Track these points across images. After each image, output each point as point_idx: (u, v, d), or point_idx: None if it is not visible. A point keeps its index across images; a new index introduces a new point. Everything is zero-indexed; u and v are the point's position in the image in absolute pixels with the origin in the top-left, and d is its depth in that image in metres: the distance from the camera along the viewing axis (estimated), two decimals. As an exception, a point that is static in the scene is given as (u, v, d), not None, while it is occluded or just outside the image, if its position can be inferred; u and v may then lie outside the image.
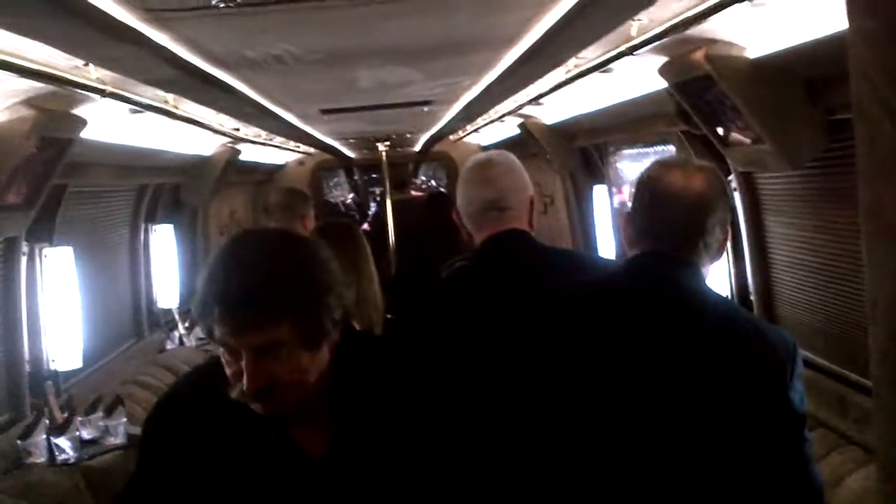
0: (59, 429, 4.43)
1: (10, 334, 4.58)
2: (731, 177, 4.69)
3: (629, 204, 2.50)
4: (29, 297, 4.76)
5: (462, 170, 3.17)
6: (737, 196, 4.68)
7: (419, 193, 11.47)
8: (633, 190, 2.53)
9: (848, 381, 3.85)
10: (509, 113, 6.99)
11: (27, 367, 4.70)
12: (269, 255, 1.87)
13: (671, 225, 2.37)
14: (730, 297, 4.94)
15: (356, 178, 12.49)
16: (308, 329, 1.84)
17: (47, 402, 4.62)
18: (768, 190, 4.41)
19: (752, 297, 4.68)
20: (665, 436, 2.22)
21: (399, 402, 1.97)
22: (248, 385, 1.82)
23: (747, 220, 4.59)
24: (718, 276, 4.93)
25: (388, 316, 3.56)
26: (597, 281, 2.56)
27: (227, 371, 1.88)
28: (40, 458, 4.29)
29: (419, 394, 1.99)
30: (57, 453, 4.34)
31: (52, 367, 4.93)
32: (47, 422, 4.46)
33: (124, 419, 4.74)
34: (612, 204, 7.18)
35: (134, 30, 2.31)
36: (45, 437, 4.35)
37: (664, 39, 3.26)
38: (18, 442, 4.28)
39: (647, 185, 2.43)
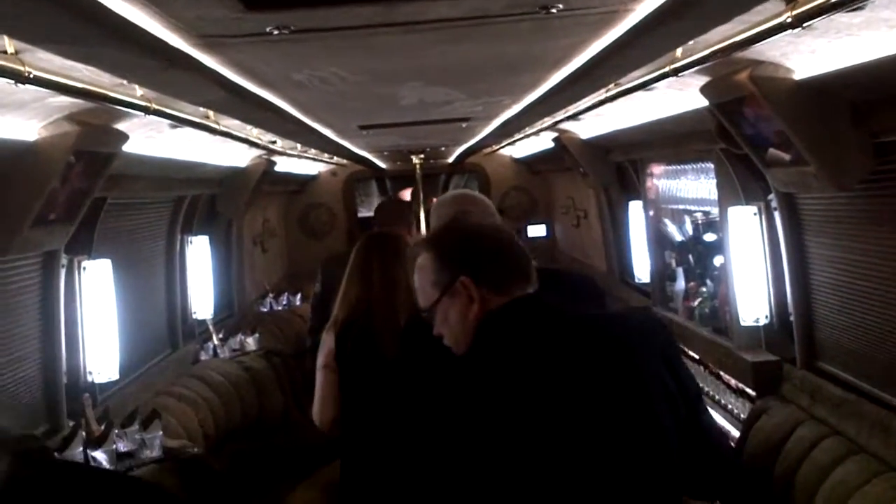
0: (96, 441, 4.44)
1: (49, 346, 4.59)
2: (772, 196, 4.66)
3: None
4: (67, 309, 4.78)
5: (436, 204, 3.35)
6: (777, 217, 4.65)
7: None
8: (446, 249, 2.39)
9: (890, 406, 3.80)
10: (546, 128, 6.98)
11: (64, 379, 4.71)
12: None
13: (526, 259, 2.35)
14: (769, 318, 4.91)
15: (389, 188, 12.51)
16: None
17: (84, 415, 4.63)
18: (809, 211, 4.38)
19: (792, 319, 4.63)
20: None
21: None
22: None
23: (787, 242, 4.55)
24: (757, 298, 4.90)
25: None
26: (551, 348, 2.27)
27: None
28: (78, 471, 4.30)
29: None
30: (94, 466, 4.35)
31: (91, 379, 4.94)
32: (84, 434, 4.47)
33: (160, 432, 4.76)
34: (647, 220, 7.14)
35: (186, 55, 2.32)
36: (82, 449, 4.36)
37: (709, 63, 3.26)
38: (56, 454, 4.29)
39: (479, 232, 2.39)
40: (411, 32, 2.31)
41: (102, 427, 4.59)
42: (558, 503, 2.11)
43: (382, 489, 3.57)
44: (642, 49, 2.90)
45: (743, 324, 5.00)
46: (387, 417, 3.78)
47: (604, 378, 2.19)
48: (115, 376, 5.13)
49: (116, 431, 4.65)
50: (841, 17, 2.48)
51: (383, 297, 3.93)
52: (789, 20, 2.47)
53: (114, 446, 4.54)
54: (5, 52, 2.45)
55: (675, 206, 6.81)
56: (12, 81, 2.50)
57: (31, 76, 2.55)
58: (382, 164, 10.73)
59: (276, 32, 2.15)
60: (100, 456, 4.38)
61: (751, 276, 4.94)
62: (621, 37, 2.56)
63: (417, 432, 2.24)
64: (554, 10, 2.17)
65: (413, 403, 2.39)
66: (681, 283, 6.50)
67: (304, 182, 11.58)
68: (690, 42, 3.10)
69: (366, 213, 11.78)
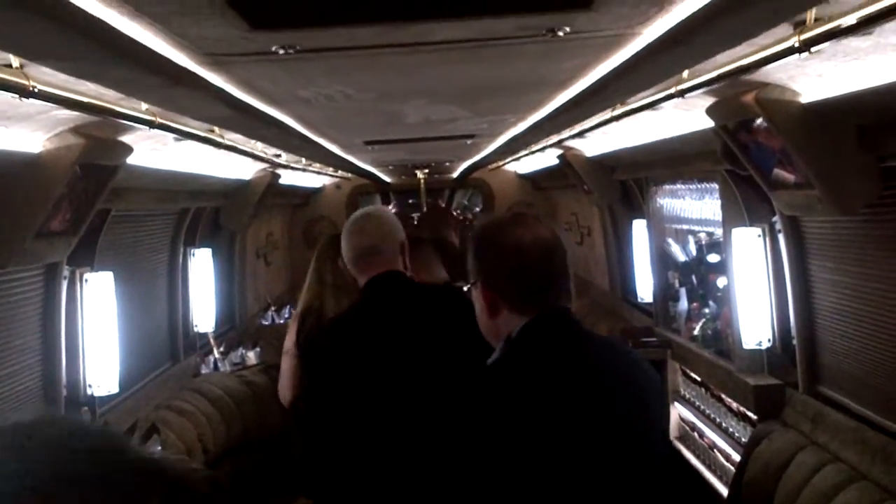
0: (94, 456, 4.40)
1: (49, 359, 4.56)
2: (776, 219, 4.64)
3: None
4: (68, 321, 4.75)
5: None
6: (781, 240, 4.63)
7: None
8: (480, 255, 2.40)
9: (893, 433, 3.78)
10: (551, 145, 6.97)
11: (64, 392, 4.68)
12: None
13: (552, 275, 2.34)
14: (772, 342, 4.89)
15: (392, 202, 12.52)
16: None
17: (84, 429, 4.59)
18: (814, 234, 4.36)
19: (795, 343, 4.61)
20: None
21: None
22: None
23: (791, 265, 4.54)
24: (760, 321, 4.88)
25: None
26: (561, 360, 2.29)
27: None
28: (76, 486, 4.27)
29: None
30: (93, 481, 4.31)
31: (90, 392, 4.91)
32: (83, 449, 4.43)
33: (159, 447, 4.73)
34: (651, 239, 7.12)
35: (191, 73, 2.31)
36: (80, 463, 4.33)
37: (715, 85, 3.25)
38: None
39: (504, 242, 2.34)
40: (417, 53, 2.30)
41: (101, 442, 4.55)
42: None
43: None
44: (648, 72, 2.89)
45: (745, 346, 4.98)
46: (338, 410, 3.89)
47: (625, 406, 2.24)
48: (115, 389, 5.09)
49: (115, 446, 4.61)
50: (849, 42, 2.47)
51: (333, 291, 4.18)
52: (797, 45, 2.46)
53: (112, 461, 4.49)
54: (10, 66, 2.44)
55: (678, 226, 6.79)
56: (17, 96, 2.49)
57: (36, 90, 2.54)
58: (387, 178, 10.74)
59: (281, 52, 2.15)
60: (98, 470, 4.34)
61: (754, 299, 4.92)
62: (628, 60, 2.55)
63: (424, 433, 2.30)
64: (561, 34, 2.16)
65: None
66: (683, 304, 6.48)
67: (308, 195, 11.58)
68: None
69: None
